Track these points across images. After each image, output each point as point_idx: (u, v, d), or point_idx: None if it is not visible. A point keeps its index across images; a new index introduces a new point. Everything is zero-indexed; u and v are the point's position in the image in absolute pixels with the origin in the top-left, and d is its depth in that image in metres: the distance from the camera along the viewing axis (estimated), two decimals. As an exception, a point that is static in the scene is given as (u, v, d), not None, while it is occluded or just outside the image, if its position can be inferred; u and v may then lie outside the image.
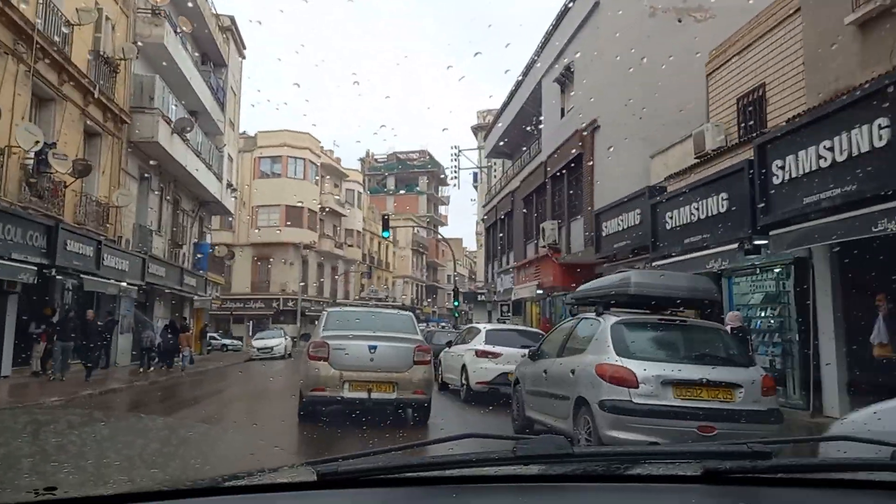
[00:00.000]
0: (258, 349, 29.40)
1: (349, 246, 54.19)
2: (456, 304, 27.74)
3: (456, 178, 37.63)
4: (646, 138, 15.26)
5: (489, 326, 11.90)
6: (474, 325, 12.77)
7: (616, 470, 1.37)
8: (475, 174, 44.86)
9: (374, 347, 8.38)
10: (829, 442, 2.26)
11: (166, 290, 23.84)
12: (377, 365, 8.34)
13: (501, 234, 25.78)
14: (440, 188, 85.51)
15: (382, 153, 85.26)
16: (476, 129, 41.60)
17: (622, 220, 13.82)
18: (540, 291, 19.49)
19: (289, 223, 45.62)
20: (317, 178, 48.79)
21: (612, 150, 15.35)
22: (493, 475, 1.32)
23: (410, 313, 10.66)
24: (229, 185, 32.58)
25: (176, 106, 23.78)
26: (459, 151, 37.01)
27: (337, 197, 51.99)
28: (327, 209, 50.15)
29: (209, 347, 35.81)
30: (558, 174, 18.49)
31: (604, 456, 1.51)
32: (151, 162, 23.35)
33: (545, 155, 19.68)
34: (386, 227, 27.57)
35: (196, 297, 24.48)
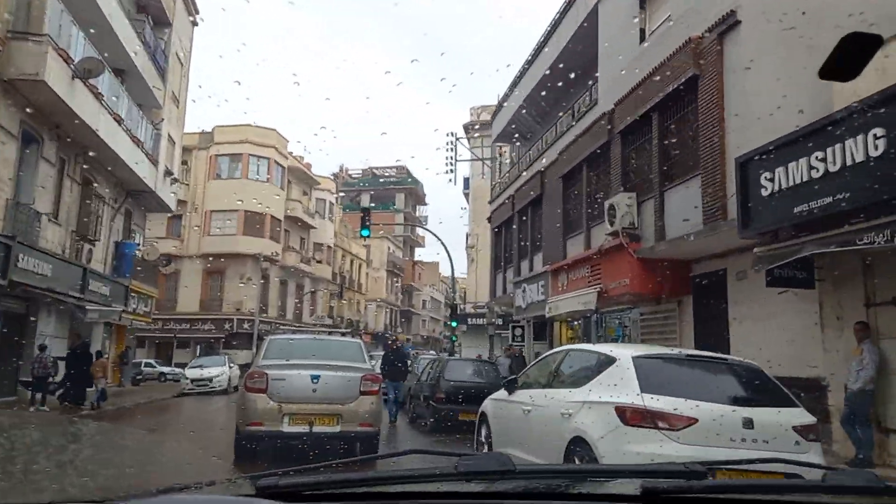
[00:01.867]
0: (192, 381, 22.15)
1: (318, 262, 47.11)
2: (454, 324, 21.15)
3: (452, 170, 31.20)
4: (813, 47, 8.99)
5: (633, 351, 5.29)
6: (591, 348, 6.15)
7: (557, 488, 1.35)
8: (466, 180, 38.59)
9: (317, 377, 7.69)
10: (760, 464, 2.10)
11: (53, 297, 16.62)
12: (320, 396, 7.65)
13: (521, 233, 19.27)
14: (418, 207, 79.10)
15: (357, 168, 78.87)
16: (469, 126, 35.40)
17: (815, 164, 7.49)
18: (589, 304, 12.99)
19: (248, 231, 38.53)
20: (282, 181, 41.90)
21: (752, 63, 9.11)
22: (435, 491, 1.29)
23: (359, 341, 9.99)
24: (169, 173, 25.58)
25: (85, 43, 16.97)
26: (456, 138, 30.73)
27: (306, 206, 45.08)
28: (294, 218, 43.18)
29: (139, 377, 28.31)
30: (637, 125, 12.14)
31: (545, 474, 1.50)
32: (44, 119, 16.51)
33: (607, 105, 13.39)
34: (365, 224, 20.93)
35: (90, 308, 17.28)
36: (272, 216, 39.86)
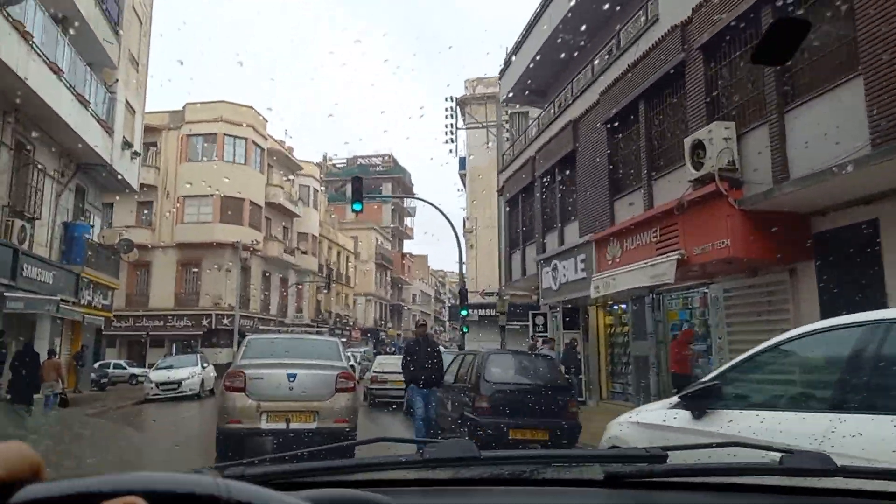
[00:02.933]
0: (158, 384, 18.59)
1: (302, 253, 43.51)
2: (464, 312, 17.78)
3: (453, 139, 27.88)
4: None
5: None
6: None
7: (522, 473, 1.36)
8: (462, 160, 35.27)
9: (294, 376, 7.80)
10: (721, 448, 1.95)
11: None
12: (296, 394, 7.74)
13: (545, 202, 16.00)
14: (404, 199, 75.61)
15: (342, 157, 75.22)
16: (463, 102, 32.04)
17: None
18: (663, 276, 9.75)
19: (225, 218, 34.90)
20: (262, 165, 38.27)
21: None
22: (400, 479, 1.29)
23: (337, 339, 10.06)
24: (128, 145, 21.97)
25: (3, -31, 13.42)
26: (456, 103, 27.27)
27: (288, 192, 41.47)
28: (276, 205, 39.58)
29: (104, 380, 24.74)
30: (730, 32, 8.89)
31: (510, 460, 1.50)
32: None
33: (674, 18, 10.16)
34: (358, 197, 17.55)
35: (12, 296, 13.75)
36: (251, 202, 36.25)
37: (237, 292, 33.65)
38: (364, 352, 36.23)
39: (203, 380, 19.47)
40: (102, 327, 33.81)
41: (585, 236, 13.09)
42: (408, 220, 77.02)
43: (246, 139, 36.34)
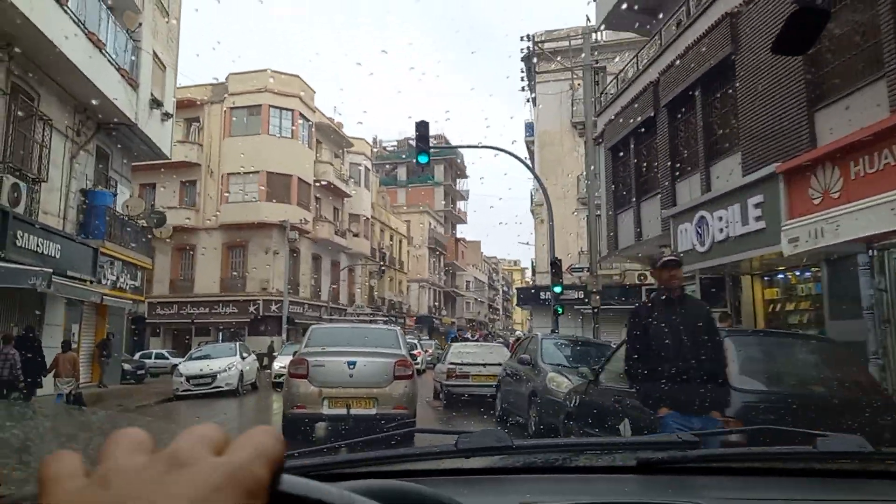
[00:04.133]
0: (188, 378, 15.39)
1: (354, 235, 40.32)
2: (558, 289, 13.76)
3: (530, 88, 23.92)
4: None
5: None
6: None
7: (555, 462, 1.35)
8: (529, 125, 31.39)
9: (353, 363, 7.98)
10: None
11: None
12: (356, 381, 7.92)
13: (678, 135, 11.96)
14: (458, 181, 71.81)
15: (391, 139, 71.98)
16: (530, 58, 27.86)
17: None
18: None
19: (271, 197, 31.90)
20: (310, 139, 35.13)
21: None
22: (435, 469, 1.31)
23: (398, 328, 10.17)
24: (157, 103, 18.90)
25: None
26: (534, 42, 23.19)
27: (338, 170, 38.28)
28: (325, 183, 36.44)
29: (140, 372, 21.95)
30: None
31: (543, 448, 1.50)
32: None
33: None
34: (424, 145, 13.92)
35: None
36: (300, 179, 33.14)
37: (285, 276, 30.63)
38: (432, 343, 33.80)
39: (242, 372, 16.22)
40: (145, 314, 31.72)
41: (759, 171, 9.06)
42: (461, 204, 73.34)
43: (292, 111, 33.22)
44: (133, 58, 17.39)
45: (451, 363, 12.85)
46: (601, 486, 1.29)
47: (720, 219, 9.95)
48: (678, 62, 11.47)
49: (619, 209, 14.63)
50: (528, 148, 31.59)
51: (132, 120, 17.14)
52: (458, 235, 72.24)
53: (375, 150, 66.35)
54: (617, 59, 22.48)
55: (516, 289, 35.21)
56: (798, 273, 10.17)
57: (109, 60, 15.61)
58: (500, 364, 11.59)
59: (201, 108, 33.74)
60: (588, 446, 1.63)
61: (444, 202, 66.63)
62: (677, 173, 11.84)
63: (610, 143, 15.10)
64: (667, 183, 12.10)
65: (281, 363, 16.20)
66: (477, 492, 1.23)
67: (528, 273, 58.88)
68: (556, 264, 14.33)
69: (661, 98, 12.26)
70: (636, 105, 13.26)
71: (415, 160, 14.65)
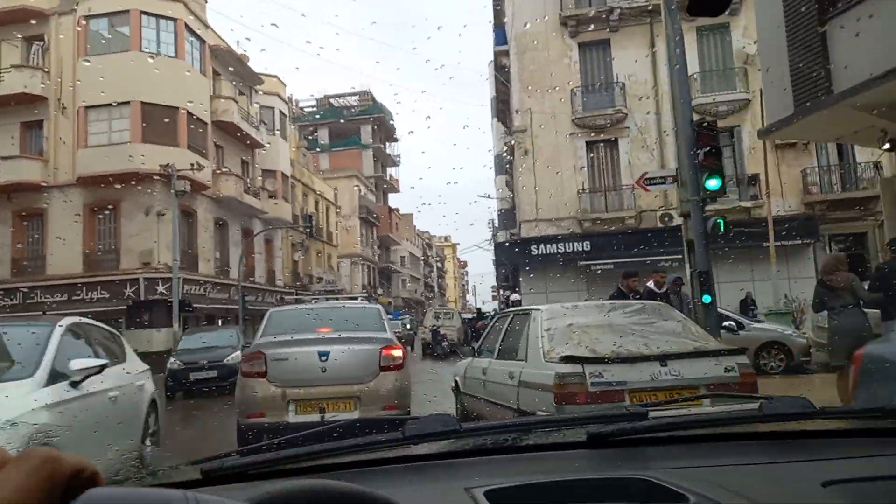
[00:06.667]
0: None
1: (270, 196, 31.62)
2: (715, 183, 6.68)
3: None
4: None
5: None
6: None
7: (504, 442, 1.35)
8: (499, 33, 23.94)
9: (326, 354, 6.02)
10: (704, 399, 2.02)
11: None
12: (331, 376, 5.97)
13: None
14: (389, 144, 63.49)
15: (309, 97, 62.63)
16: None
17: None
18: None
19: (149, 136, 22.88)
20: (203, 64, 26.12)
21: None
22: (384, 458, 1.27)
23: (379, 306, 7.82)
24: None
25: None
26: None
27: (245, 111, 29.39)
28: (228, 125, 27.57)
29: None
30: None
31: (491, 429, 1.49)
32: None
33: None
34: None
35: None
36: (190, 113, 24.19)
37: (175, 245, 21.83)
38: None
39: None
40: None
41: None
42: (392, 171, 65.23)
43: (175, 21, 24.14)
44: None
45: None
46: (552, 464, 1.27)
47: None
48: None
49: (830, 14, 6.92)
50: (498, 63, 24.02)
51: None
52: (392, 206, 64.14)
53: (295, 106, 57.01)
54: None
55: (495, 244, 27.66)
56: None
57: None
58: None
59: (46, 19, 24.13)
60: (537, 424, 1.59)
61: (373, 168, 58.38)
62: None
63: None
64: None
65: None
66: (428, 477, 1.21)
67: (461, 247, 51.72)
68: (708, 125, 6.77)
69: None
70: None
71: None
